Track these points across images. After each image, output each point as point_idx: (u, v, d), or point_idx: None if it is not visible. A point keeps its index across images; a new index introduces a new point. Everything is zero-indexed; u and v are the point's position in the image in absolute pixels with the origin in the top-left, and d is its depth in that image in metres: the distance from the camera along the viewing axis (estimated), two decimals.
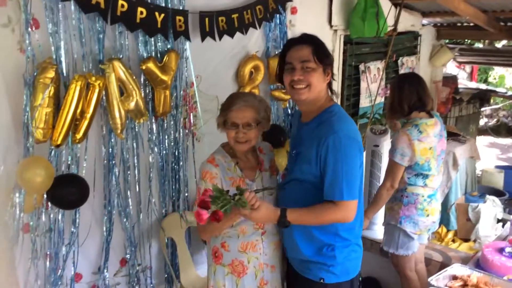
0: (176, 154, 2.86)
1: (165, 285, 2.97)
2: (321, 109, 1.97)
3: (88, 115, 2.25)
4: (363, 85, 4.52)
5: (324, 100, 1.98)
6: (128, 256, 2.69)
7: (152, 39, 2.60)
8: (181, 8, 2.69)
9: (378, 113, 4.56)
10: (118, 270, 2.70)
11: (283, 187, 2.10)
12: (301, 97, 1.92)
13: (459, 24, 5.76)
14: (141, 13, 2.46)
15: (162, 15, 2.55)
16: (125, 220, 2.63)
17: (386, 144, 3.68)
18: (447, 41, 6.39)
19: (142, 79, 2.60)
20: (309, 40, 1.96)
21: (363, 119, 4.41)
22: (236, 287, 2.06)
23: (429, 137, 2.82)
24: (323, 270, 1.98)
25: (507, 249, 2.67)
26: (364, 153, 3.73)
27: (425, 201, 2.90)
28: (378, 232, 3.66)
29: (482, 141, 9.28)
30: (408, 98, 2.86)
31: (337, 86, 4.28)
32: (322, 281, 1.98)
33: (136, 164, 2.65)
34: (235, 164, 2.06)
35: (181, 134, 2.87)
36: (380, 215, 3.65)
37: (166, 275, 2.96)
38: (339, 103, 4.34)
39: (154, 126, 2.71)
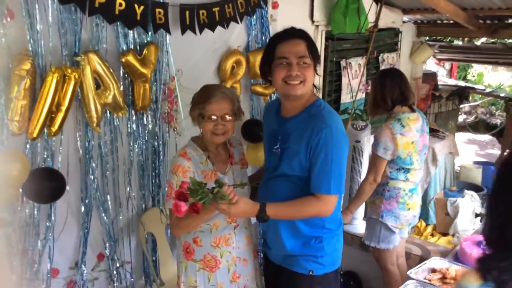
0: (156, 148, 2.83)
1: (144, 280, 2.94)
2: (307, 103, 1.97)
3: (64, 108, 2.21)
4: (344, 81, 4.53)
5: (310, 94, 1.99)
6: (107, 251, 2.65)
7: (132, 31, 2.56)
8: (161, 0, 2.65)
9: (359, 109, 4.58)
10: (95, 265, 2.66)
11: (265, 183, 2.08)
12: (297, 92, 1.90)
13: (439, 22, 5.82)
14: (120, 5, 2.42)
15: (142, 7, 2.51)
16: (103, 214, 2.59)
17: (367, 140, 3.71)
18: (427, 38, 6.45)
19: (121, 72, 2.56)
20: (303, 35, 1.95)
21: (344, 114, 4.43)
22: (208, 282, 2.05)
23: (411, 131, 2.85)
24: (311, 262, 2.00)
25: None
26: None
27: (406, 195, 2.93)
28: (358, 226, 3.68)
29: (461, 137, 9.42)
30: (391, 93, 2.89)
31: (319, 81, 4.29)
32: (311, 273, 2.00)
33: (114, 158, 2.61)
34: (206, 158, 2.05)
35: (162, 128, 2.84)
36: (360, 210, 3.68)
37: (145, 271, 2.93)
38: (319, 91, 4.37)
39: (133, 120, 2.68)
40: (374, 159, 2.90)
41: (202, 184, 1.75)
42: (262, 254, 2.57)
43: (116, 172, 2.64)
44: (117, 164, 2.63)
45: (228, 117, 1.99)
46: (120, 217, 2.71)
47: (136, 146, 2.72)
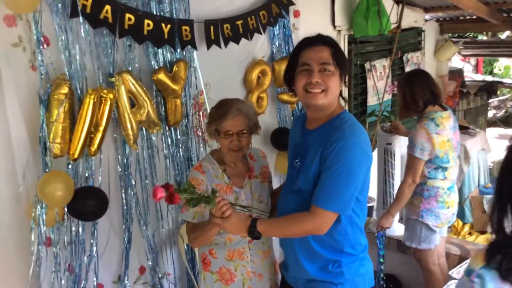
0: (190, 161, 2.89)
1: None
2: (332, 115, 1.84)
3: (102, 128, 2.29)
4: (369, 83, 4.53)
5: (335, 106, 1.86)
6: (149, 263, 2.72)
7: (161, 49, 2.64)
8: (186, 18, 2.73)
9: (386, 111, 4.57)
10: (137, 278, 2.73)
11: (282, 197, 2.00)
12: (318, 102, 1.78)
13: (461, 18, 5.76)
14: (148, 25, 2.50)
15: (169, 26, 2.59)
16: (144, 228, 2.66)
17: (397, 141, 3.69)
18: (450, 35, 6.39)
19: (153, 90, 2.64)
20: (328, 41, 1.83)
21: (371, 117, 4.42)
22: None
23: (446, 129, 2.85)
24: None
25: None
26: (376, 152, 3.76)
27: (445, 193, 2.93)
28: (394, 229, 3.64)
29: (492, 132, 9.24)
30: (422, 94, 2.88)
31: (344, 86, 4.30)
32: None
33: (152, 173, 2.68)
34: (222, 171, 2.04)
35: (193, 141, 2.90)
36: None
37: (188, 282, 2.98)
38: (346, 103, 4.37)
39: (167, 135, 2.75)
40: (412, 160, 2.88)
41: (194, 187, 1.74)
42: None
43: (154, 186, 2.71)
44: (156, 179, 2.70)
45: (243, 133, 1.99)
46: (161, 230, 2.77)
47: (171, 160, 2.78)
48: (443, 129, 2.83)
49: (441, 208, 2.92)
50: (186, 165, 2.87)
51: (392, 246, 3.57)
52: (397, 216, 3.68)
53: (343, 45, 4.22)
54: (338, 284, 1.85)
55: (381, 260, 3.09)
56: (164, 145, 2.74)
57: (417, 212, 2.95)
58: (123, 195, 2.56)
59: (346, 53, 4.27)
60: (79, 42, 2.29)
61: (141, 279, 2.75)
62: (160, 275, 2.78)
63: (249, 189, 2.08)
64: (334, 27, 4.07)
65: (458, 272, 2.22)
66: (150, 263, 2.72)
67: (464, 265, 2.30)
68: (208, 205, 1.74)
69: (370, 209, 4.33)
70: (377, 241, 3.07)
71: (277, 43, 3.39)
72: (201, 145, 2.95)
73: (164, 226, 2.79)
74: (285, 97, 3.48)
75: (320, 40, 1.83)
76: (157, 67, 2.61)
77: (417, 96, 2.88)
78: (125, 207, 2.57)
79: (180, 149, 2.82)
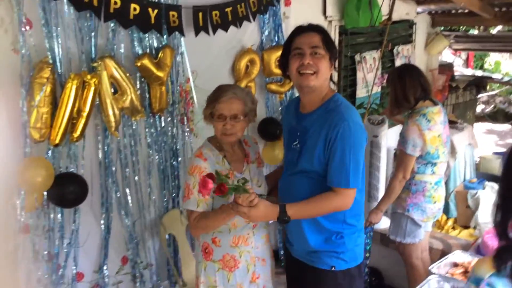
0: (175, 150, 2.85)
1: (169, 281, 2.98)
2: (325, 98, 1.97)
3: (85, 114, 2.25)
4: (359, 75, 4.51)
5: (327, 90, 1.99)
6: (129, 253, 2.69)
7: (147, 35, 2.59)
8: (174, 3, 2.67)
9: (375, 103, 4.56)
10: (119, 268, 2.70)
11: (285, 179, 2.09)
12: (309, 83, 1.91)
13: (453, 11, 5.73)
14: (134, 9, 2.45)
15: (156, 10, 2.54)
16: (125, 217, 2.63)
17: (384, 134, 3.68)
18: (442, 28, 6.37)
19: (137, 76, 2.59)
20: (318, 28, 1.98)
21: (360, 109, 4.40)
22: (228, 282, 2.05)
23: (437, 124, 2.84)
24: (333, 258, 2.00)
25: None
26: None
27: (432, 188, 2.92)
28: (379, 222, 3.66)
29: (480, 128, 9.29)
30: (413, 90, 2.85)
31: (334, 71, 4.27)
32: (333, 268, 2.00)
33: (134, 161, 2.64)
34: (223, 157, 2.05)
35: (179, 130, 2.86)
36: None
37: (169, 272, 2.96)
38: (336, 87, 4.35)
39: (151, 123, 2.71)
40: (403, 157, 2.87)
41: (228, 176, 1.80)
42: (283, 251, 2.57)
43: (136, 174, 2.67)
44: (137, 167, 2.67)
45: (237, 118, 1.99)
46: (142, 220, 2.74)
47: (154, 148, 2.75)
48: (434, 125, 2.82)
49: (428, 203, 2.92)
50: (170, 153, 2.84)
51: (375, 239, 3.57)
52: None
53: (334, 36, 4.18)
54: (340, 253, 2.00)
55: (367, 254, 3.09)
56: (147, 133, 2.70)
57: (403, 206, 2.95)
58: (104, 182, 2.52)
59: (336, 44, 4.23)
60: (63, 25, 2.23)
61: (124, 269, 2.73)
62: (142, 266, 2.75)
63: (249, 174, 2.09)
64: (325, 17, 4.02)
65: (438, 267, 2.21)
66: (130, 253, 2.69)
67: (444, 260, 2.30)
68: (243, 193, 1.77)
69: None
70: (365, 235, 3.07)
71: (266, 31, 3.34)
72: (187, 133, 2.91)
73: (145, 216, 2.76)
74: (273, 86, 3.45)
75: (311, 27, 1.98)
76: (141, 53, 2.55)
77: (409, 92, 2.86)
78: (105, 196, 2.53)
79: (165, 138, 2.78)
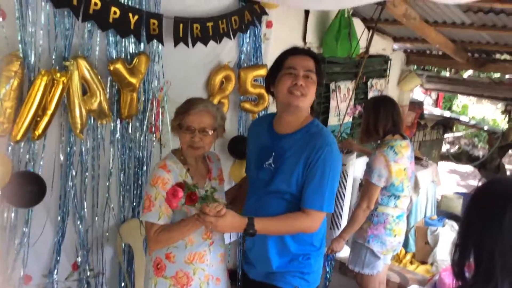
0: (140, 158, 2.80)
1: None
2: (305, 122, 2.01)
3: (50, 112, 2.18)
4: (332, 103, 4.56)
5: (308, 114, 2.04)
6: (79, 260, 2.60)
7: (123, 40, 2.55)
8: (156, 11, 2.65)
9: (345, 132, 4.62)
10: (69, 274, 2.60)
11: (254, 198, 2.07)
12: (299, 104, 1.93)
13: (428, 52, 5.93)
14: (115, 13, 2.41)
15: (136, 16, 2.51)
16: (79, 222, 2.54)
17: (352, 164, 3.73)
18: (415, 67, 6.56)
19: (109, 80, 2.54)
20: (313, 54, 2.03)
21: None
22: None
23: (404, 158, 2.87)
24: (297, 278, 2.01)
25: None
26: None
27: (394, 221, 2.94)
28: None
29: (443, 167, 9.53)
30: (384, 122, 2.90)
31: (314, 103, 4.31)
32: None
33: (95, 166, 2.58)
34: (186, 171, 2.02)
35: (147, 138, 2.81)
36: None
37: (120, 283, 2.87)
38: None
39: (118, 128, 2.65)
40: (368, 186, 2.89)
41: (196, 186, 1.78)
42: (239, 272, 2.53)
43: (95, 180, 2.60)
44: (97, 172, 2.59)
45: (206, 131, 1.97)
46: (96, 227, 2.66)
47: (118, 155, 2.69)
48: (401, 158, 2.85)
49: (388, 236, 2.93)
50: (135, 162, 2.78)
51: (334, 267, 3.57)
52: None
53: None
54: (306, 273, 2.03)
55: (327, 283, 3.08)
56: (112, 138, 2.64)
57: (364, 236, 2.96)
58: (63, 185, 2.44)
59: None
60: (38, 20, 2.18)
61: (74, 275, 2.63)
62: (89, 274, 2.65)
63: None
64: (305, 43, 4.08)
65: None
66: (80, 260, 2.60)
67: None
68: (212, 202, 1.76)
69: None
70: (326, 263, 3.06)
71: (245, 50, 3.36)
72: (154, 143, 2.87)
73: (99, 223, 2.68)
74: (247, 105, 3.45)
75: (306, 51, 2.06)
76: (116, 57, 2.51)
77: (379, 123, 2.90)
78: (62, 198, 2.45)
79: (130, 145, 2.73)
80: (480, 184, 1.22)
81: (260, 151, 2.09)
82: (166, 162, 2.00)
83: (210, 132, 1.99)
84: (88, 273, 2.64)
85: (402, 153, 2.86)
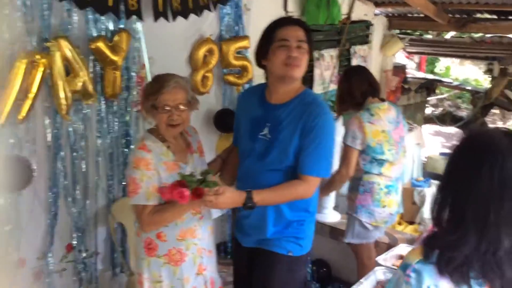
0: (127, 136, 2.79)
1: (113, 271, 2.92)
2: (299, 91, 2.02)
3: (31, 95, 2.16)
4: (317, 72, 4.56)
5: (300, 84, 2.04)
6: (74, 241, 2.62)
7: (103, 17, 2.51)
8: None
9: (331, 100, 4.63)
10: (63, 256, 2.62)
11: (247, 169, 2.08)
12: (294, 74, 1.94)
13: (409, 15, 5.91)
14: None
15: None
16: (71, 204, 2.55)
17: (338, 131, 3.75)
18: (398, 31, 6.55)
19: (91, 59, 2.51)
20: (302, 24, 2.03)
21: None
22: (174, 275, 2.00)
23: (381, 120, 2.81)
24: (291, 243, 2.04)
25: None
26: None
27: (381, 190, 2.87)
28: (328, 215, 3.73)
29: (428, 129, 9.64)
30: (358, 86, 2.86)
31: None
32: (290, 253, 2.04)
33: (84, 147, 2.57)
34: (167, 148, 1.99)
35: (132, 116, 2.80)
36: (331, 199, 3.74)
37: (114, 261, 2.90)
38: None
39: (103, 108, 2.63)
40: (344, 149, 2.88)
41: (192, 175, 1.77)
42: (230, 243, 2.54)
43: (85, 160, 2.60)
44: (87, 152, 2.59)
45: (182, 107, 1.93)
46: (88, 207, 2.67)
47: (106, 134, 2.68)
48: (378, 119, 2.80)
49: (376, 207, 2.86)
50: (122, 141, 2.78)
51: (324, 232, 3.65)
52: (332, 203, 3.77)
53: None
54: (300, 238, 2.06)
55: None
56: (98, 118, 2.63)
57: (353, 207, 2.94)
58: (52, 167, 2.44)
59: None
60: (14, 1, 2.13)
61: (68, 257, 2.65)
62: (84, 254, 2.68)
63: (193, 164, 2.05)
64: (286, 12, 4.04)
65: (384, 259, 2.28)
66: (76, 241, 2.62)
67: (390, 253, 2.37)
68: (210, 186, 1.77)
69: None
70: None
71: (227, 22, 3.32)
72: (140, 120, 2.86)
73: (91, 204, 2.69)
74: (231, 78, 3.44)
75: (295, 21, 2.04)
76: (96, 35, 2.48)
77: (354, 88, 2.87)
78: (52, 181, 2.45)
79: (116, 124, 2.72)
80: (459, 139, 1.24)
81: (253, 122, 2.08)
82: (145, 142, 1.96)
83: (186, 107, 1.96)
84: (84, 254, 2.67)
85: (380, 115, 2.81)
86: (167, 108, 1.90)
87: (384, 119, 2.84)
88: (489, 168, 1.10)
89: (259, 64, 2.08)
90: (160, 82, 1.93)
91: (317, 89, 4.61)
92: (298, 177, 1.95)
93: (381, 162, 2.85)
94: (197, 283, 2.04)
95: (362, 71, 3.00)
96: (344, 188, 4.39)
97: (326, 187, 2.99)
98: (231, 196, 1.83)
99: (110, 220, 2.77)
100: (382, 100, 2.94)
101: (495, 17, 5.36)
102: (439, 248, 1.12)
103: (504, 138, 1.14)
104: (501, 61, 6.73)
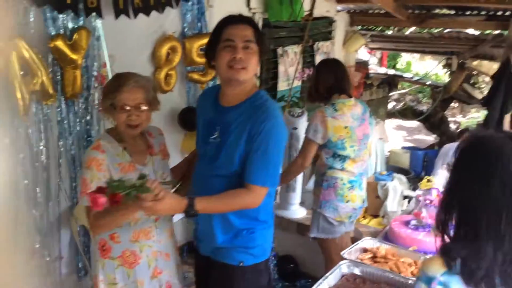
0: (89, 137, 2.73)
1: (78, 274, 2.86)
2: (250, 93, 1.91)
3: None
4: (281, 68, 4.59)
5: (252, 85, 1.94)
6: (37, 245, 2.55)
7: (61, 15, 2.45)
8: None
9: (295, 96, 4.67)
10: (27, 259, 2.54)
11: (201, 175, 2.00)
12: (240, 78, 1.83)
13: (371, 11, 6.01)
14: None
15: None
16: (32, 208, 2.48)
17: (304, 127, 3.78)
18: (359, 27, 6.65)
19: (50, 58, 2.44)
20: (251, 21, 1.91)
21: (281, 102, 4.50)
22: (128, 278, 1.96)
23: (345, 115, 2.82)
24: (242, 253, 1.96)
25: (412, 222, 2.87)
26: None
27: (344, 186, 2.88)
28: (294, 212, 3.77)
29: (390, 124, 9.85)
30: (325, 82, 2.87)
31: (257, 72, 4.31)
32: (241, 264, 1.96)
33: (44, 149, 2.50)
34: (123, 149, 1.93)
35: (94, 116, 2.75)
36: (297, 196, 3.77)
37: (78, 265, 2.84)
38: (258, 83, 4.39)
39: (63, 108, 2.57)
40: (304, 141, 2.89)
41: (121, 180, 1.65)
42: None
43: (46, 162, 2.53)
44: (47, 154, 2.52)
45: (142, 107, 1.88)
46: (51, 211, 2.60)
47: (67, 135, 2.61)
48: (342, 115, 2.81)
49: (339, 202, 2.89)
50: (85, 141, 2.72)
51: (291, 227, 3.68)
52: (298, 199, 3.80)
53: None
54: (250, 248, 1.96)
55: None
56: (59, 119, 2.56)
57: (317, 202, 2.96)
58: (13, 170, 2.36)
59: None
60: None
61: (31, 262, 2.58)
62: (50, 259, 2.62)
63: (152, 167, 2.00)
64: (249, 8, 4.04)
65: (349, 253, 2.31)
66: (39, 245, 2.55)
67: (355, 246, 2.40)
68: (143, 191, 1.64)
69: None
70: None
71: (189, 19, 3.29)
72: (103, 120, 2.80)
73: (54, 207, 2.62)
74: (195, 76, 3.41)
75: (244, 19, 1.90)
76: (55, 34, 2.41)
77: (321, 83, 2.89)
78: (13, 184, 2.37)
79: (78, 124, 2.66)
80: (467, 138, 1.20)
81: (206, 125, 2.01)
82: (100, 142, 1.91)
83: (146, 107, 1.90)
84: (47, 258, 2.60)
85: (344, 111, 2.83)
86: (127, 107, 1.85)
87: (348, 115, 2.85)
88: (500, 176, 1.09)
89: (209, 63, 1.96)
90: (120, 80, 1.88)
91: (282, 85, 4.64)
92: (244, 185, 1.86)
93: (343, 158, 2.87)
94: (152, 286, 2.00)
95: (331, 65, 2.98)
96: (310, 184, 4.49)
97: (282, 176, 3.01)
98: (171, 203, 1.73)
99: (72, 223, 2.71)
100: (350, 96, 2.92)
101: (452, 12, 5.53)
102: (460, 258, 1.10)
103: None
104: (459, 56, 6.92)
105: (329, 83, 2.88)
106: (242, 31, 1.85)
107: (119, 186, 1.60)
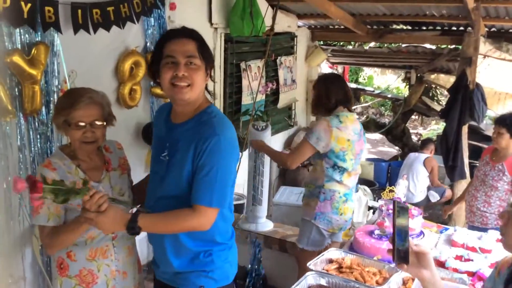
0: (49, 154, 2.67)
1: None
2: (199, 109, 1.81)
3: None
4: (244, 83, 4.63)
5: (202, 101, 1.83)
6: None
7: (18, 30, 2.40)
8: None
9: (259, 110, 4.70)
10: None
11: (152, 196, 1.90)
12: (184, 97, 1.73)
13: (331, 27, 6.16)
14: (4, 1, 2.26)
15: (29, 5, 2.37)
16: None
17: (268, 140, 3.80)
18: (321, 42, 6.79)
19: (7, 73, 2.39)
20: (193, 35, 1.78)
21: (245, 116, 4.52)
22: None
23: (348, 129, 2.89)
24: (201, 277, 1.86)
25: (376, 232, 2.90)
26: (248, 150, 3.84)
27: (340, 198, 2.95)
28: (262, 225, 3.76)
29: None
30: (336, 92, 2.94)
31: (219, 84, 4.33)
32: None
33: (3, 167, 2.42)
34: (76, 167, 1.88)
35: (54, 132, 2.69)
36: (263, 210, 3.76)
37: (40, 284, 2.75)
38: (221, 101, 4.41)
39: (23, 124, 2.51)
40: (303, 144, 2.91)
41: (59, 181, 1.61)
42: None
43: (5, 181, 2.45)
44: (7, 173, 2.44)
45: (97, 123, 1.84)
46: (12, 230, 2.52)
47: (27, 152, 2.55)
48: (345, 127, 2.88)
49: (334, 214, 2.95)
50: (45, 157, 2.65)
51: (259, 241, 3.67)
52: (264, 213, 3.80)
53: (220, 43, 4.25)
54: (209, 271, 1.85)
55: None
56: (18, 135, 2.49)
57: (311, 213, 2.97)
58: None
59: (222, 51, 4.31)
60: None
61: None
62: (13, 280, 2.52)
63: (108, 182, 1.95)
64: (211, 24, 4.07)
65: (315, 264, 2.32)
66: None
67: (321, 257, 2.41)
68: (78, 196, 1.59)
69: (241, 206, 4.42)
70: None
71: (151, 34, 3.29)
72: (63, 137, 2.74)
73: (15, 227, 2.54)
74: (158, 91, 3.40)
75: (185, 33, 1.79)
76: (12, 49, 2.36)
77: (332, 93, 2.95)
78: None
79: (39, 141, 2.59)
80: None
81: (157, 142, 1.93)
82: (51, 160, 1.87)
83: (101, 123, 1.85)
84: (10, 280, 2.50)
85: (346, 124, 2.90)
86: (81, 124, 1.81)
87: (350, 128, 2.92)
88: None
89: (155, 80, 1.84)
90: (73, 97, 1.83)
91: (246, 99, 4.67)
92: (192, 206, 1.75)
93: (342, 170, 2.92)
94: None
95: (340, 79, 3.09)
96: (277, 197, 4.51)
97: (265, 149, 3.18)
98: (114, 217, 1.66)
99: (34, 242, 2.62)
100: (350, 111, 3.01)
101: (409, 27, 5.73)
102: None
103: None
104: (417, 70, 7.15)
105: (339, 96, 2.95)
106: (184, 46, 1.73)
107: (57, 184, 1.57)
